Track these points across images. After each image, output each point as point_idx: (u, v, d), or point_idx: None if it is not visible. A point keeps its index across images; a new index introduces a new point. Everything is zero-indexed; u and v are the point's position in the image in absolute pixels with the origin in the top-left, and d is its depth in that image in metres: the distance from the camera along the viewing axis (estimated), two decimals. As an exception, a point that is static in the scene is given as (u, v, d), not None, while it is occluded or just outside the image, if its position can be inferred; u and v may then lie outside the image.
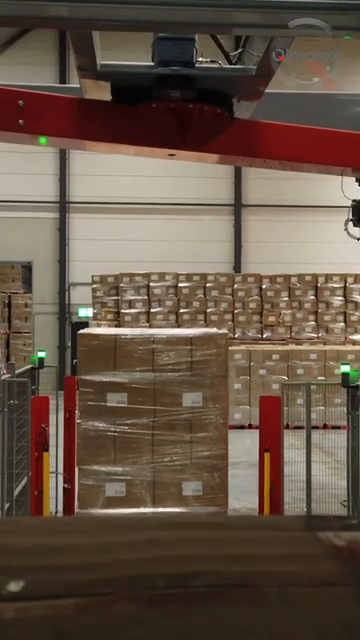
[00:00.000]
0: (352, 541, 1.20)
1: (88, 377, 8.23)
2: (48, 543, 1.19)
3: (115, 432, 7.94)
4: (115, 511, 7.79)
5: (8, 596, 0.98)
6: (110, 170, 22.52)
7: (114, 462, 7.89)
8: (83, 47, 4.40)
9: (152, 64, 4.90)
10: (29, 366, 9.54)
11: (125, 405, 8.08)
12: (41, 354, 9.73)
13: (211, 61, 4.99)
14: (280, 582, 1.04)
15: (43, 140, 5.44)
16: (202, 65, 4.92)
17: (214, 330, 9.66)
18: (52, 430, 9.63)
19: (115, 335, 8.44)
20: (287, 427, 17.54)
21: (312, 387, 18.07)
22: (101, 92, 5.28)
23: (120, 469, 7.87)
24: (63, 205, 22.82)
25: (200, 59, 4.99)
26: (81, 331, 8.52)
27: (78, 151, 22.72)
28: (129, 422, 8.03)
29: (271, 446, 7.89)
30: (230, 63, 5.13)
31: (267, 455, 7.87)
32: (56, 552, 1.15)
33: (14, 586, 1.00)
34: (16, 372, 8.57)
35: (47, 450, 7.85)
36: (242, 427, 16.91)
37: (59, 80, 22.62)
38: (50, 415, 9.18)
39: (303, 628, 0.95)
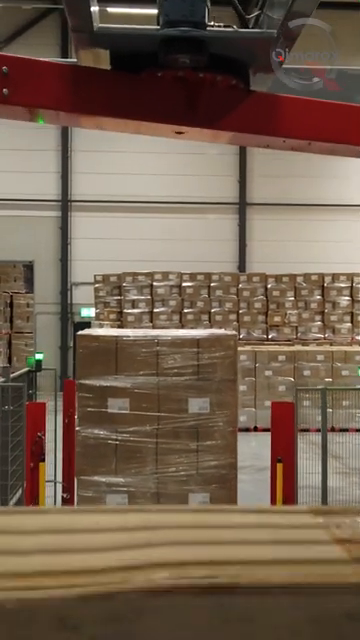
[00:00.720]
0: (355, 532, 1.18)
1: (87, 381, 7.65)
2: (52, 532, 1.18)
3: (116, 440, 7.37)
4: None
5: (13, 585, 0.98)
6: (113, 168, 21.92)
7: (115, 472, 7.33)
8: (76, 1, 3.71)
9: (157, 27, 4.22)
10: (26, 369, 8.88)
11: (127, 411, 7.54)
12: (38, 356, 9.05)
13: (225, 25, 4.30)
14: (281, 573, 1.03)
15: (41, 119, 4.77)
16: (215, 29, 4.22)
17: (221, 331, 8.99)
18: (51, 436, 9.08)
19: (116, 336, 7.82)
20: (293, 430, 17.02)
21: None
22: (99, 65, 4.60)
23: (122, 480, 7.28)
24: (65, 203, 22.16)
25: (212, 23, 4.29)
26: (80, 332, 7.86)
27: (80, 149, 22.13)
28: (131, 430, 7.48)
29: (284, 456, 7.19)
30: (246, 27, 4.44)
31: (280, 466, 7.17)
32: (59, 541, 1.14)
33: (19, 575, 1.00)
34: (11, 376, 7.91)
35: (43, 460, 7.17)
36: (247, 430, 16.38)
37: (61, 77, 21.94)
38: (49, 420, 8.63)
39: (305, 619, 0.94)
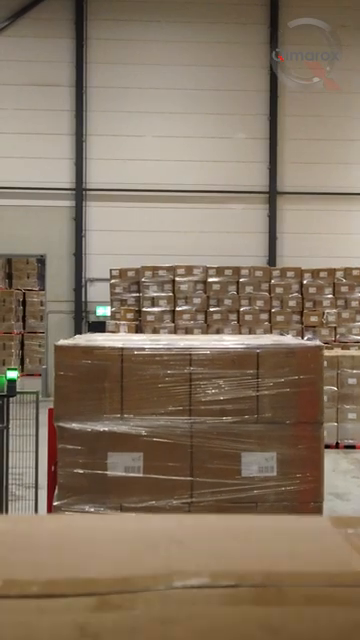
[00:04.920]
0: None
1: (73, 424, 4.37)
2: (69, 541, 1.10)
3: (121, 523, 3.90)
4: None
5: (32, 593, 0.92)
6: (131, 154, 18.56)
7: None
8: None
9: None
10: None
11: (140, 474, 4.40)
12: (11, 374, 5.62)
13: None
14: (303, 582, 0.96)
15: None
16: None
17: (290, 339, 5.49)
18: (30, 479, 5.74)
19: (122, 349, 4.43)
20: (337, 446, 13.56)
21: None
22: None
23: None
24: (79, 192, 18.78)
25: None
26: (61, 342, 4.49)
27: (96, 133, 18.81)
28: (146, 505, 4.34)
29: None
30: None
31: None
32: (78, 550, 1.06)
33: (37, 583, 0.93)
34: None
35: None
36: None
37: (76, 53, 18.58)
38: (28, 468, 5.35)
39: (326, 628, 0.89)
